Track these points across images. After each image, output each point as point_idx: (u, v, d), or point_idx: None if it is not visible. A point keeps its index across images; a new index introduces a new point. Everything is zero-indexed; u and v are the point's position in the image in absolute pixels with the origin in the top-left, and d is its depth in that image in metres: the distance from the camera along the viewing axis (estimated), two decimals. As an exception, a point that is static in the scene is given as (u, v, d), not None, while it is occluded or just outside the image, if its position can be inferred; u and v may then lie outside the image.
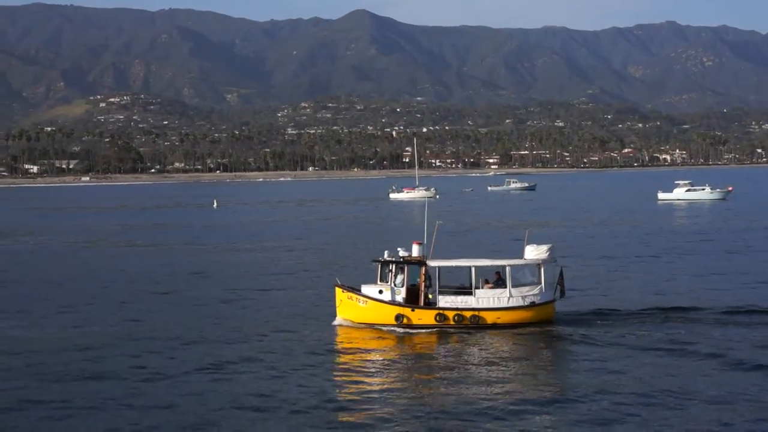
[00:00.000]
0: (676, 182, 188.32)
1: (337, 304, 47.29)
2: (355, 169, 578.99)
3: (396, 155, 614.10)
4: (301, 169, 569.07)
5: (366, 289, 46.76)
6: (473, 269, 46.74)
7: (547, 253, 47.33)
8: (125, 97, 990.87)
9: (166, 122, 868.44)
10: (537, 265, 47.28)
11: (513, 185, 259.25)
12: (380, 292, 46.29)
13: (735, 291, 57.22)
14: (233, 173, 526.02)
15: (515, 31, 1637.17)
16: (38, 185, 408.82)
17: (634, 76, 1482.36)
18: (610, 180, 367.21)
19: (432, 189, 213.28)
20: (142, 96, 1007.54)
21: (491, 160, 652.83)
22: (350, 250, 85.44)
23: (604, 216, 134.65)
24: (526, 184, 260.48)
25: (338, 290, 47.20)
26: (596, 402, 32.64)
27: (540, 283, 46.96)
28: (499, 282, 46.83)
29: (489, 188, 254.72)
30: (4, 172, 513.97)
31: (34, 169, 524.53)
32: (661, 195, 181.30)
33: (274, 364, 38.92)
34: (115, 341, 43.77)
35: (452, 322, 45.54)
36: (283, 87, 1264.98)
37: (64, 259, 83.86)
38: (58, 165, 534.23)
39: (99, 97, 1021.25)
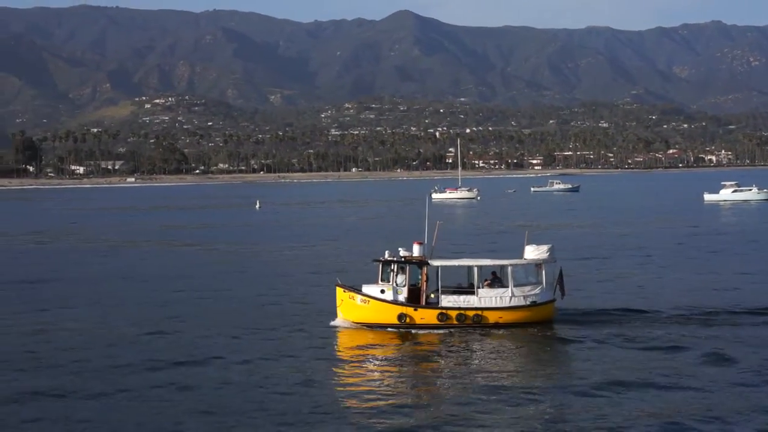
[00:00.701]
0: (723, 183, 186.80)
1: (338, 304, 47.21)
2: (399, 170, 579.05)
3: (439, 156, 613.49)
4: (345, 170, 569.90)
5: (367, 289, 46.74)
6: (475, 269, 46.92)
7: (548, 253, 47.65)
8: (170, 99, 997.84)
9: (210, 123, 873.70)
10: (538, 265, 47.67)
11: (556, 186, 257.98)
12: (382, 291, 46.24)
13: (762, 292, 56.89)
14: (277, 174, 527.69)
15: (559, 31, 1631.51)
16: (84, 186, 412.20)
17: (679, 76, 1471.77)
18: (654, 181, 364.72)
19: (474, 190, 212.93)
20: (187, 97, 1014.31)
21: (535, 161, 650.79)
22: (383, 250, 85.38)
23: (648, 217, 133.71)
24: (570, 186, 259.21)
25: (339, 290, 47.13)
26: (595, 400, 32.88)
27: (541, 282, 47.35)
28: (495, 281, 47.11)
29: (532, 189, 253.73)
30: (51, 173, 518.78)
31: (81, 170, 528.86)
32: (707, 196, 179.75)
33: (270, 359, 39.88)
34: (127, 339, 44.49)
35: (455, 322, 45.75)
36: (327, 88, 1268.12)
37: (109, 258, 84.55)
38: (104, 166, 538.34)
39: (144, 98, 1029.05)
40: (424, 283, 46.33)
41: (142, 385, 35.91)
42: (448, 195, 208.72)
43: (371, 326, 46.13)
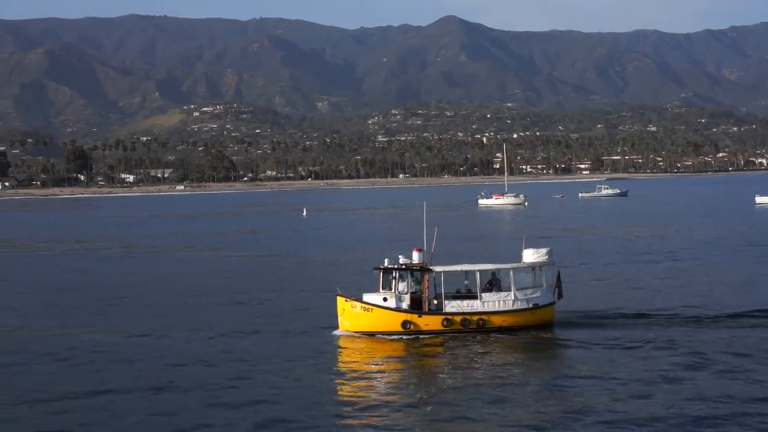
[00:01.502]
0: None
1: (339, 314, 47.19)
2: (446, 176, 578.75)
3: (486, 161, 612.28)
4: (392, 176, 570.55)
5: (368, 298, 46.93)
6: (478, 274, 47.36)
7: (547, 256, 48.33)
8: (218, 107, 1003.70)
9: (258, 131, 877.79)
10: (538, 268, 48.28)
11: (604, 191, 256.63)
12: (384, 299, 46.45)
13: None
14: (324, 181, 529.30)
15: (606, 35, 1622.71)
16: (134, 194, 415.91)
17: (728, 78, 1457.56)
18: (704, 185, 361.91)
19: (521, 195, 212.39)
20: (235, 105, 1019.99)
21: (582, 166, 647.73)
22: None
23: (697, 221, 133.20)
24: (618, 191, 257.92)
25: (340, 299, 47.20)
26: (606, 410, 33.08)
27: (542, 285, 47.95)
28: (494, 284, 47.69)
29: (580, 194, 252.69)
30: (101, 181, 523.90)
31: (130, 178, 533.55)
32: (759, 199, 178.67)
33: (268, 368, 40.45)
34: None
35: (459, 327, 46.13)
36: (374, 94, 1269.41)
37: (160, 264, 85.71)
38: (153, 174, 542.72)
39: (192, 106, 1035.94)
40: (426, 289, 46.66)
41: (135, 387, 37.26)
42: (495, 201, 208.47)
43: (375, 334, 46.26)
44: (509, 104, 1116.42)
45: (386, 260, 47.83)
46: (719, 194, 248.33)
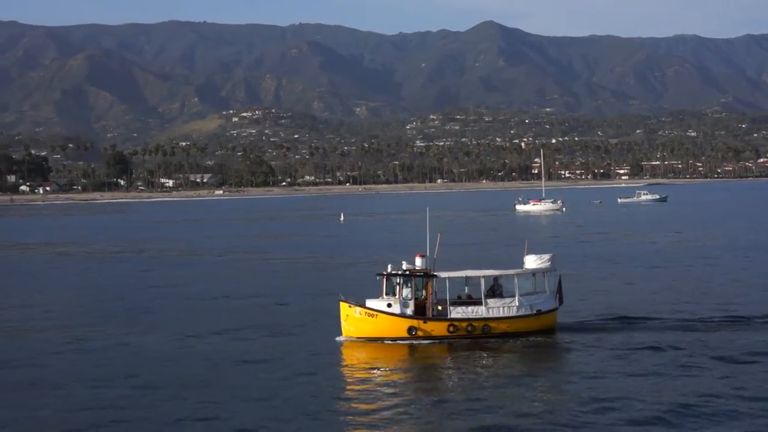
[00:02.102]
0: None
1: (342, 319, 47.28)
2: (484, 181, 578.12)
3: (525, 167, 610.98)
4: (430, 181, 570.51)
5: (372, 304, 47.03)
6: (482, 280, 47.69)
7: (549, 262, 48.80)
8: (257, 112, 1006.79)
9: (296, 136, 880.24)
10: (541, 274, 48.72)
11: (644, 197, 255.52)
12: (389, 305, 46.49)
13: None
14: (362, 186, 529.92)
15: (645, 40, 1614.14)
16: (174, 198, 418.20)
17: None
18: (744, 190, 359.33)
19: (559, 201, 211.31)
20: (273, 110, 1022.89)
21: (621, 171, 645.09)
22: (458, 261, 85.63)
23: (736, 226, 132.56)
24: (657, 196, 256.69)
25: (344, 305, 47.30)
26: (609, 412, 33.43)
27: (544, 291, 48.40)
28: (496, 290, 47.86)
29: (619, 200, 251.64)
30: (141, 186, 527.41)
31: (170, 183, 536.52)
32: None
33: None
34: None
35: (464, 333, 46.33)
36: (412, 99, 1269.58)
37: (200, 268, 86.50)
38: (192, 179, 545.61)
39: (231, 111, 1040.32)
40: (430, 295, 46.83)
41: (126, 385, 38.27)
42: (532, 207, 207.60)
43: (380, 340, 46.38)
44: (548, 109, 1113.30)
45: (389, 266, 48.00)
46: (762, 199, 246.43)
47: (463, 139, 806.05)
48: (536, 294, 48.20)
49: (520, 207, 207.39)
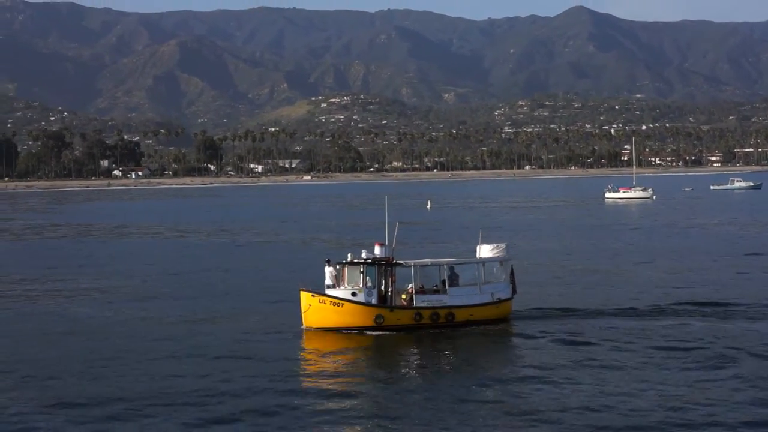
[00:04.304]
0: None
1: (303, 310, 45.95)
2: (573, 168, 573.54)
3: (614, 153, 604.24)
4: (518, 168, 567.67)
5: (335, 293, 45.92)
6: (446, 267, 47.45)
7: (505, 252, 49.10)
8: (345, 98, 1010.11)
9: (384, 122, 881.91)
10: (499, 263, 48.92)
11: (737, 184, 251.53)
12: (353, 294, 45.58)
13: None
14: (450, 172, 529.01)
15: (739, 24, 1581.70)
16: (264, 183, 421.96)
17: None
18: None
19: (649, 189, 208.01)
20: (362, 96, 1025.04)
21: (713, 158, 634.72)
22: (540, 260, 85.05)
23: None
24: (752, 183, 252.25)
25: (306, 295, 46.00)
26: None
27: (502, 280, 48.56)
28: (451, 280, 47.27)
29: (711, 187, 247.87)
30: (230, 171, 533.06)
31: (259, 168, 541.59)
32: None
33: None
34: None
35: (429, 321, 45.97)
36: (500, 85, 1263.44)
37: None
38: (281, 164, 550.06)
39: (320, 97, 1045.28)
40: (393, 284, 46.32)
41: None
42: (622, 195, 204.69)
43: (343, 330, 45.48)
44: (638, 95, 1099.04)
45: (349, 254, 47.41)
46: None
47: (552, 126, 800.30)
48: (495, 283, 48.47)
49: (609, 195, 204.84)
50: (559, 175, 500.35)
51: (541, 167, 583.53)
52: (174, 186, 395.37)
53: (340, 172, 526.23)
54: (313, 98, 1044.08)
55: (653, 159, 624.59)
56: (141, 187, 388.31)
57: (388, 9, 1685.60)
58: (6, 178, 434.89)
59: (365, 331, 45.34)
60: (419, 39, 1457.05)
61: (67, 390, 35.77)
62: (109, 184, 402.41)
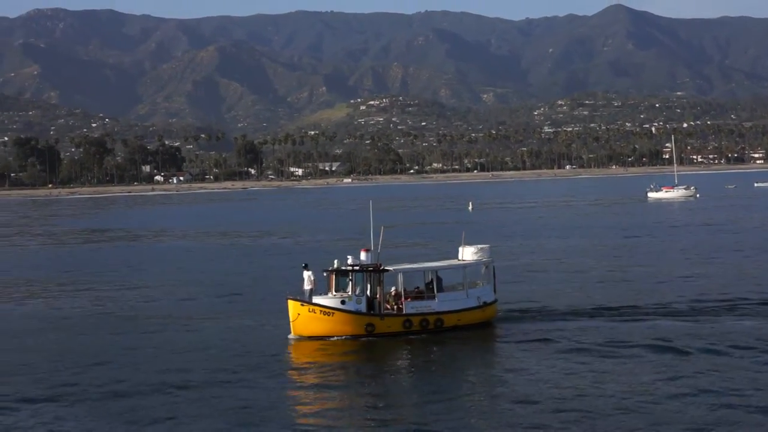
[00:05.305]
0: None
1: (292, 319, 44.97)
2: (613, 167, 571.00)
3: (655, 152, 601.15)
4: (558, 168, 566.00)
5: (323, 301, 45.15)
6: (434, 272, 47.11)
7: (489, 254, 48.86)
8: (384, 100, 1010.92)
9: (423, 123, 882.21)
10: (484, 266, 48.59)
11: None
12: (343, 302, 44.85)
13: None
14: (490, 173, 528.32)
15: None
16: (304, 186, 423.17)
17: None
18: None
19: (692, 187, 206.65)
20: (401, 98, 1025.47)
21: (756, 155, 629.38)
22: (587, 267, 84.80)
23: None
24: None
25: (295, 304, 45.04)
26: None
27: (489, 283, 48.25)
28: (434, 285, 46.81)
29: (756, 184, 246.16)
30: (271, 175, 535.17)
31: (299, 171, 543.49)
32: None
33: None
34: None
35: (418, 328, 45.47)
36: (539, 85, 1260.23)
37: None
38: (321, 167, 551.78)
39: (359, 100, 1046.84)
40: (381, 291, 45.74)
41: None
42: (665, 194, 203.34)
43: (334, 338, 44.67)
44: (679, 93, 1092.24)
45: (336, 261, 46.43)
46: None
47: (592, 125, 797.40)
48: (480, 286, 48.14)
49: (652, 195, 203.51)
50: (600, 174, 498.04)
51: (582, 167, 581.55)
52: (216, 190, 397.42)
53: (380, 174, 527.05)
54: (352, 101, 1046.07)
55: (695, 157, 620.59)
56: (183, 191, 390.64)
57: (426, 11, 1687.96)
58: (50, 185, 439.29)
59: (354, 340, 44.71)
60: (457, 40, 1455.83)
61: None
62: (152, 189, 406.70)
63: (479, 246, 49.46)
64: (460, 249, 49.41)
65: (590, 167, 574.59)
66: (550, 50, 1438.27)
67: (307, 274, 46.27)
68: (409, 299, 46.18)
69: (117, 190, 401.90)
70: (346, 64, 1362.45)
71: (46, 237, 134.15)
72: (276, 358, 42.05)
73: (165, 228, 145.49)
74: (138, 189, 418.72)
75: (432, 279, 47.11)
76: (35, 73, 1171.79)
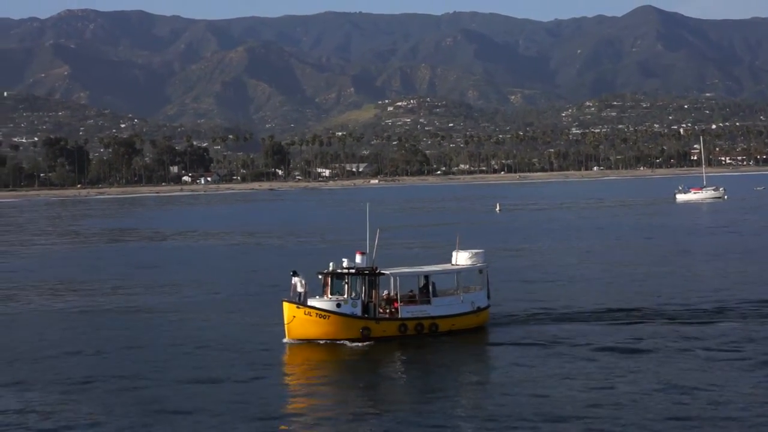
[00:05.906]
0: None
1: (287, 321, 44.47)
2: (641, 168, 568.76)
3: (683, 153, 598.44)
4: (586, 169, 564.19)
5: (318, 304, 44.87)
6: (429, 276, 46.90)
7: (484, 259, 48.84)
8: (412, 101, 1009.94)
9: (451, 124, 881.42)
10: (478, 271, 48.45)
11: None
12: (338, 305, 44.53)
13: None
14: (518, 174, 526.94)
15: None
16: (332, 187, 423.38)
17: None
18: None
19: (720, 189, 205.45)
20: (428, 99, 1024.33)
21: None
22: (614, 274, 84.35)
23: None
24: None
25: (291, 306, 44.55)
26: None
27: (484, 287, 48.09)
28: (426, 289, 46.68)
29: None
30: (298, 175, 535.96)
31: (326, 172, 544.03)
32: None
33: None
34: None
35: (414, 332, 45.26)
36: (567, 86, 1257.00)
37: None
38: (348, 168, 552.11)
39: (387, 101, 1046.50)
40: (377, 294, 45.45)
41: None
42: (693, 195, 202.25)
43: (330, 342, 44.33)
44: (708, 94, 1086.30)
45: (331, 264, 46.24)
46: None
47: (620, 126, 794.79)
48: (474, 291, 47.96)
49: (680, 196, 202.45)
50: (628, 175, 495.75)
51: (609, 168, 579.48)
52: (243, 191, 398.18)
53: (407, 175, 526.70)
54: (380, 102, 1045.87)
55: (723, 158, 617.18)
56: (210, 192, 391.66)
57: (454, 11, 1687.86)
58: (78, 185, 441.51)
59: (349, 343, 44.44)
60: (485, 41, 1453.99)
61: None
62: (181, 190, 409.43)
63: (473, 251, 49.38)
64: (454, 254, 49.29)
65: (618, 168, 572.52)
66: (579, 51, 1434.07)
67: (296, 280, 45.64)
68: (404, 303, 46.03)
69: (145, 191, 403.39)
70: (374, 64, 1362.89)
71: (72, 236, 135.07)
72: (269, 361, 42.02)
73: (195, 228, 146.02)
74: (166, 189, 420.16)
75: (426, 283, 47.00)
76: (65, 73, 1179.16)
